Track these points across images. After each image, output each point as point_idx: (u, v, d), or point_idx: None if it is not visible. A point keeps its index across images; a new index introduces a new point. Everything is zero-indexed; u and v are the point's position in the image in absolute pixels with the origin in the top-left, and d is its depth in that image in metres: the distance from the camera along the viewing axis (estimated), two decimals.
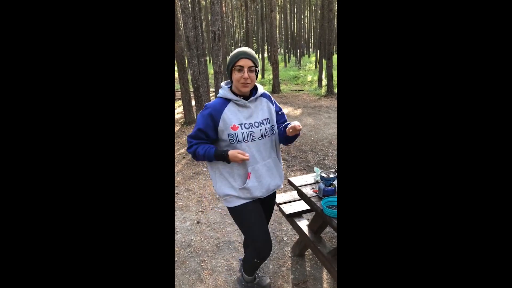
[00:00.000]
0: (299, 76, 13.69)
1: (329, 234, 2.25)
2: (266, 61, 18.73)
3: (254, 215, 1.40)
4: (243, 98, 1.33)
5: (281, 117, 1.47)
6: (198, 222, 2.56)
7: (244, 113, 1.32)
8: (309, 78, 13.17)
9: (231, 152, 1.25)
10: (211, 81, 11.19)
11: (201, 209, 2.79)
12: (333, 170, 1.68)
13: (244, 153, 1.24)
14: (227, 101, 1.31)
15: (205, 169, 3.76)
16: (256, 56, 1.31)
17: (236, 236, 2.33)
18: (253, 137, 1.31)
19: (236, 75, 1.25)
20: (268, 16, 11.99)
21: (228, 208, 1.44)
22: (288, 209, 1.96)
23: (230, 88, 1.35)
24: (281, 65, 20.71)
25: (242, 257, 1.66)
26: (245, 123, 1.31)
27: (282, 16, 24.02)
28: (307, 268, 1.95)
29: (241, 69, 1.23)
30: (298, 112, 7.04)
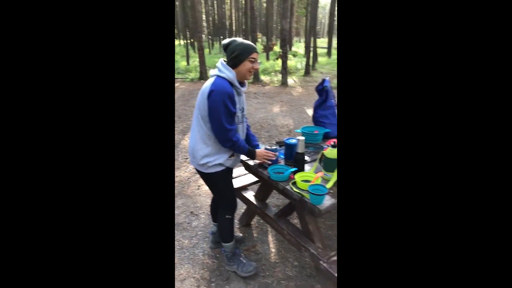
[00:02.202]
0: None
1: (271, 203, 2.52)
2: (188, 47, 18.08)
3: (231, 178, 1.73)
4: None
5: None
6: None
7: (237, 98, 1.50)
8: None
9: (259, 151, 1.61)
10: None
11: None
12: (274, 143, 1.90)
13: (268, 154, 1.62)
14: (231, 85, 1.44)
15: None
16: None
17: (183, 218, 2.40)
18: (239, 121, 1.56)
19: (247, 65, 1.45)
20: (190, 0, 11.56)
21: (213, 173, 1.57)
22: (235, 183, 2.12)
23: None
24: (206, 51, 20.33)
25: (224, 249, 1.79)
26: (239, 108, 1.53)
27: (203, 1, 23.38)
28: (255, 235, 2.18)
29: (254, 60, 1.46)
30: None
